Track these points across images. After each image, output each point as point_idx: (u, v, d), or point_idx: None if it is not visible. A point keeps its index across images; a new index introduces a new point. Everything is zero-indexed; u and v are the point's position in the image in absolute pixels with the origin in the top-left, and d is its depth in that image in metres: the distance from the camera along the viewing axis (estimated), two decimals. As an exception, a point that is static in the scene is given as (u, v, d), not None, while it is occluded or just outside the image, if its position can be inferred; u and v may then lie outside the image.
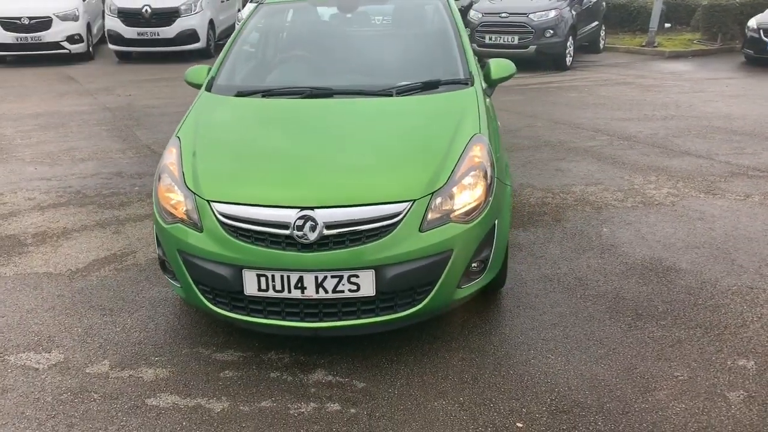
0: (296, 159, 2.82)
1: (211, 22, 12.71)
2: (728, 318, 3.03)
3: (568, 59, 10.84)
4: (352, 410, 2.45)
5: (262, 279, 2.50)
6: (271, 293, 2.52)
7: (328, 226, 2.47)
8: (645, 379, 2.60)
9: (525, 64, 10.98)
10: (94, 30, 13.23)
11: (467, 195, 2.66)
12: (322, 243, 2.47)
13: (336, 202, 2.51)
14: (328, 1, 4.19)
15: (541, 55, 10.64)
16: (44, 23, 11.95)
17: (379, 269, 2.48)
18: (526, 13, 10.65)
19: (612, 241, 3.91)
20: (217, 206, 2.58)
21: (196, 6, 12.28)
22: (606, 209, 4.43)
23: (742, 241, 3.87)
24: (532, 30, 10.53)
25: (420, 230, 2.53)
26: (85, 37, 12.45)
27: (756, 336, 2.88)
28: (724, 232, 4.01)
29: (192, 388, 2.60)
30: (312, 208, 2.48)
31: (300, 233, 2.46)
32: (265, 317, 2.58)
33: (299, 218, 2.46)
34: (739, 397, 2.48)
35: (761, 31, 10.60)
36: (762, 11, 11.35)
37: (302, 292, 2.50)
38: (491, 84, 3.61)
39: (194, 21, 12.21)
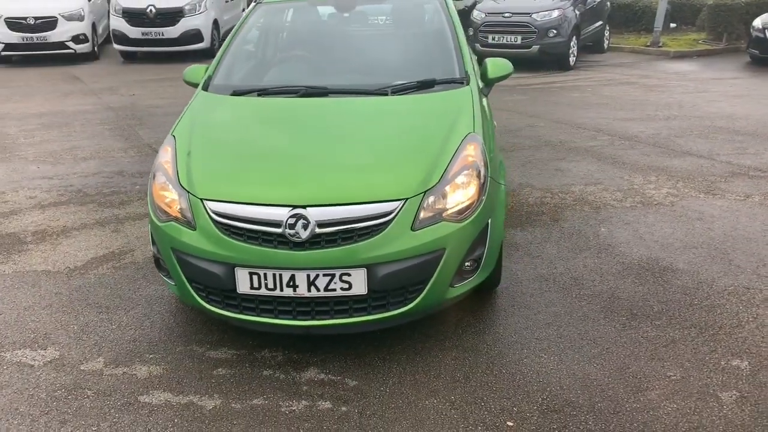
0: (289, 158, 2.83)
1: (215, 22, 12.74)
2: (723, 318, 3.02)
3: (572, 59, 10.81)
4: (343, 408, 2.46)
5: (255, 277, 2.51)
6: (263, 291, 2.53)
7: (320, 225, 2.48)
8: (637, 378, 2.59)
9: (528, 64, 10.99)
10: (100, 30, 13.29)
11: (460, 194, 2.66)
12: (314, 241, 2.48)
13: (328, 200, 2.52)
14: (326, 1, 4.19)
15: (544, 55, 10.62)
16: (50, 23, 12.01)
17: (370, 268, 2.49)
18: (529, 13, 10.63)
19: (609, 240, 3.90)
20: (210, 204, 2.59)
21: (200, 6, 12.32)
22: (604, 209, 4.42)
23: (741, 241, 3.85)
24: (535, 30, 10.50)
25: (412, 229, 2.53)
26: (90, 37, 12.51)
27: (751, 336, 2.87)
28: (723, 232, 3.99)
29: (185, 385, 2.62)
30: (304, 207, 2.48)
31: (292, 232, 2.46)
32: (258, 315, 2.59)
33: (291, 217, 2.47)
34: (731, 397, 2.47)
35: (766, 31, 10.54)
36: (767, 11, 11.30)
37: (294, 291, 2.51)
38: (488, 83, 3.61)
39: (198, 21, 12.24)
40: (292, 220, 2.47)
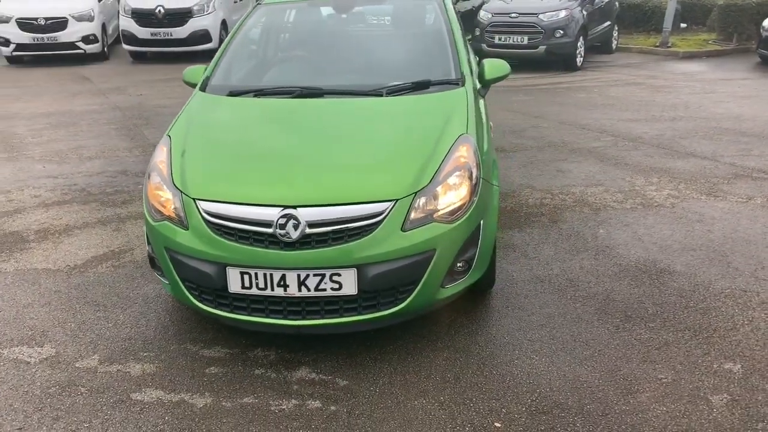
0: (282, 158, 2.85)
1: (224, 23, 12.80)
2: (718, 321, 3.00)
3: (579, 60, 10.76)
4: (333, 408, 2.47)
5: (246, 277, 2.53)
6: (254, 291, 2.55)
7: (311, 225, 2.49)
8: (628, 381, 2.59)
9: (535, 65, 10.97)
10: (110, 30, 13.41)
11: (452, 195, 2.67)
12: (305, 241, 2.50)
13: (318, 201, 2.53)
14: (324, 2, 4.21)
15: (550, 55, 10.58)
16: (60, 24, 12.14)
17: (361, 268, 2.50)
18: (536, 14, 10.59)
19: (608, 242, 3.89)
20: (202, 204, 2.61)
21: (208, 6, 12.39)
22: (604, 210, 4.40)
23: (740, 243, 3.83)
24: (541, 30, 10.47)
25: (402, 230, 2.54)
26: (99, 38, 12.62)
27: (745, 340, 2.85)
28: (723, 234, 3.96)
29: (177, 383, 2.64)
30: (294, 207, 2.50)
31: (282, 232, 2.48)
32: (249, 314, 2.61)
33: (282, 217, 2.49)
34: (722, 400, 2.46)
35: (776, 31, 10.44)
36: (778, 11, 11.19)
37: (285, 290, 2.52)
38: (485, 84, 3.61)
39: (207, 21, 12.32)
40: (282, 220, 2.48)
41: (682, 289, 3.31)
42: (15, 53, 12.32)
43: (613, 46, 12.85)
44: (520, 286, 3.37)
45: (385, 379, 2.64)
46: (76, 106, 8.51)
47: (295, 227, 2.48)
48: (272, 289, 2.53)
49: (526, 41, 10.65)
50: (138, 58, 12.83)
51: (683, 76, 10.15)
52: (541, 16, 10.53)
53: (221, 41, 12.66)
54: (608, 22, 12.31)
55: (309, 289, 2.51)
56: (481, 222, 2.79)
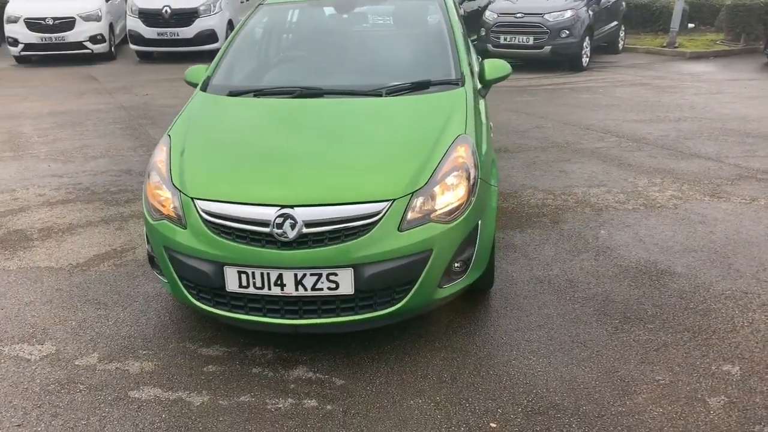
0: (279, 158, 2.86)
1: (230, 23, 12.84)
2: (718, 322, 2.99)
3: (585, 60, 10.73)
4: (329, 407, 2.48)
5: (243, 276, 2.54)
6: (251, 290, 2.56)
7: (308, 225, 2.50)
8: (625, 382, 2.58)
9: (540, 65, 10.95)
10: (117, 30, 13.49)
11: (449, 195, 2.67)
12: (302, 241, 2.51)
13: (315, 200, 2.54)
14: (326, 2, 4.22)
15: (556, 55, 10.56)
16: (68, 24, 12.23)
17: (357, 268, 2.50)
18: (541, 14, 10.57)
19: (609, 243, 3.88)
20: (200, 204, 2.63)
21: (215, 6, 12.44)
22: (606, 211, 4.39)
23: (743, 245, 3.81)
24: (547, 30, 10.44)
25: (399, 229, 2.54)
26: (107, 37, 12.70)
27: (744, 341, 2.84)
28: (725, 235, 3.94)
29: (175, 381, 2.66)
30: (291, 207, 2.51)
31: (279, 231, 2.49)
32: (246, 313, 2.62)
33: (279, 216, 2.50)
34: (719, 402, 2.45)
35: (785, 32, 10.37)
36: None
37: (282, 290, 2.53)
38: (486, 84, 3.61)
39: (213, 21, 12.36)
40: (279, 220, 2.49)
41: (682, 290, 3.29)
42: (23, 53, 12.42)
43: (620, 46, 12.81)
44: (519, 286, 3.37)
45: (382, 379, 2.64)
46: (83, 106, 8.56)
47: (292, 227, 2.49)
48: (269, 289, 2.54)
49: (531, 41, 10.63)
50: (145, 57, 12.90)
51: (690, 77, 10.10)
52: (546, 16, 10.50)
53: (228, 41, 12.75)
54: (615, 22, 12.26)
55: (306, 289, 2.52)
56: (479, 222, 2.79)
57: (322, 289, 2.52)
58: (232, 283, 2.57)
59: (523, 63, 11.06)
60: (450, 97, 3.20)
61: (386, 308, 2.60)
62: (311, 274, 2.50)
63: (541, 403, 2.47)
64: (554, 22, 10.43)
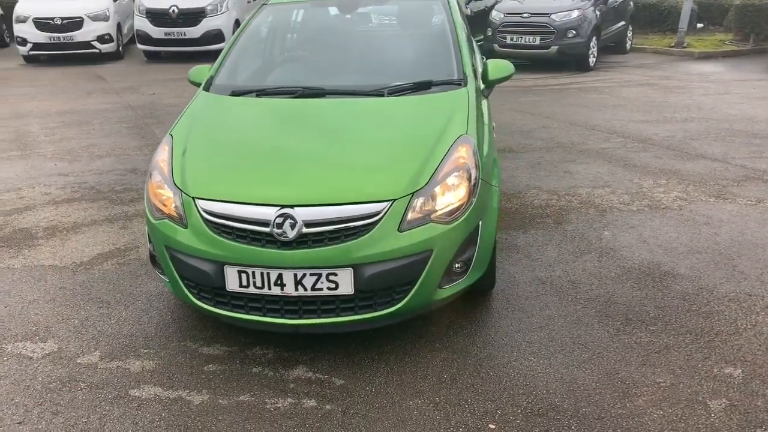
0: (280, 158, 2.86)
1: (237, 23, 12.86)
2: (721, 325, 2.97)
3: (592, 60, 10.69)
4: (328, 407, 2.48)
5: (243, 275, 2.55)
6: (251, 290, 2.57)
7: (308, 225, 2.50)
8: (626, 384, 2.57)
9: (547, 65, 10.92)
10: (125, 30, 13.56)
11: (450, 195, 2.66)
12: (302, 241, 2.51)
13: (315, 200, 2.54)
14: (329, 2, 4.22)
15: (563, 55, 10.52)
16: (76, 23, 12.30)
17: (357, 268, 2.50)
18: (548, 14, 10.53)
19: (612, 244, 3.86)
20: (201, 203, 2.63)
21: (221, 6, 12.48)
22: (610, 212, 4.37)
23: (747, 247, 3.78)
24: (554, 30, 10.41)
25: (399, 230, 2.54)
26: (115, 37, 12.77)
27: (747, 344, 2.82)
28: (730, 237, 3.92)
29: (175, 380, 2.67)
30: (291, 207, 2.51)
31: (279, 231, 2.49)
32: (247, 313, 2.63)
33: (279, 216, 2.50)
34: (720, 405, 2.43)
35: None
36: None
37: (282, 289, 2.54)
38: (488, 85, 3.60)
39: (220, 21, 12.40)
40: (279, 220, 2.50)
41: (685, 292, 3.27)
42: (32, 52, 12.50)
43: (628, 46, 12.75)
44: (521, 287, 3.36)
45: (382, 379, 2.64)
46: (90, 105, 8.61)
47: (292, 226, 2.49)
48: (269, 288, 2.54)
49: (538, 41, 10.60)
50: (152, 57, 12.95)
51: (698, 77, 10.04)
52: (553, 16, 10.47)
53: (234, 41, 12.78)
54: (622, 22, 12.20)
55: (306, 289, 2.52)
56: (480, 223, 2.78)
57: (321, 289, 2.52)
58: (232, 282, 2.57)
59: (530, 63, 11.03)
60: (452, 97, 3.20)
61: (386, 308, 2.60)
62: (311, 274, 2.50)
63: (540, 404, 2.46)
64: (561, 22, 10.39)
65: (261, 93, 3.40)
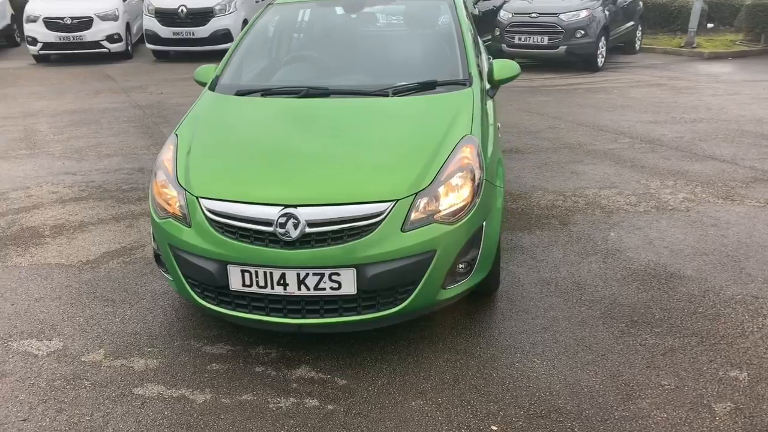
0: (284, 157, 2.86)
1: (245, 22, 12.88)
2: (727, 327, 2.94)
3: (600, 60, 10.63)
4: (330, 407, 2.48)
5: (246, 275, 2.55)
6: (255, 289, 2.57)
7: (311, 224, 2.50)
8: (630, 386, 2.55)
9: (555, 65, 10.87)
10: (134, 29, 13.63)
11: (453, 196, 2.66)
12: (305, 240, 2.51)
13: (319, 200, 2.54)
14: (335, 2, 4.22)
15: (571, 55, 10.47)
16: (85, 23, 12.38)
17: (360, 268, 2.50)
18: (556, 13, 10.49)
19: (618, 245, 3.84)
20: (205, 202, 2.64)
21: (230, 6, 12.51)
22: (617, 213, 4.34)
23: (755, 249, 3.75)
24: (562, 30, 10.36)
25: (402, 230, 2.54)
26: (124, 37, 12.84)
27: (753, 347, 2.79)
28: (737, 239, 3.88)
29: (178, 379, 2.67)
30: (295, 206, 2.51)
31: (282, 230, 2.50)
32: (250, 312, 2.63)
33: (282, 216, 2.50)
34: (725, 408, 2.41)
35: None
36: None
37: (284, 289, 2.54)
38: (494, 85, 3.58)
39: (228, 21, 12.44)
40: (282, 219, 2.50)
41: (691, 294, 3.25)
42: (42, 52, 12.59)
43: (637, 46, 12.66)
44: (526, 288, 3.34)
45: (384, 380, 2.64)
46: (98, 104, 8.66)
47: (295, 226, 2.49)
48: (272, 288, 2.54)
49: (546, 41, 10.55)
50: (161, 57, 13.00)
51: (707, 78, 9.97)
52: (561, 16, 10.42)
53: (242, 41, 12.82)
54: (631, 22, 12.13)
55: (308, 288, 2.52)
56: (484, 223, 2.77)
57: (324, 289, 2.52)
58: (235, 282, 2.58)
59: (538, 63, 10.99)
60: (457, 97, 3.19)
61: (389, 308, 2.59)
62: (314, 274, 2.50)
63: (543, 406, 2.45)
64: (569, 22, 10.34)
65: (266, 93, 3.41)
